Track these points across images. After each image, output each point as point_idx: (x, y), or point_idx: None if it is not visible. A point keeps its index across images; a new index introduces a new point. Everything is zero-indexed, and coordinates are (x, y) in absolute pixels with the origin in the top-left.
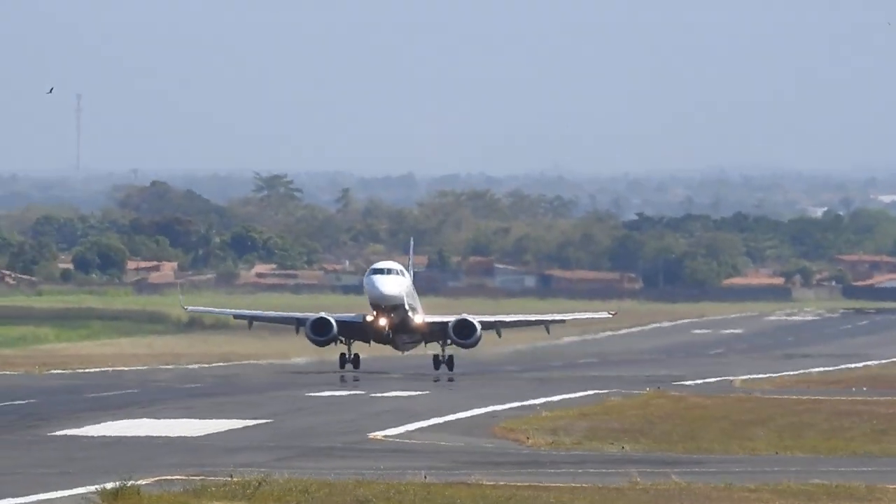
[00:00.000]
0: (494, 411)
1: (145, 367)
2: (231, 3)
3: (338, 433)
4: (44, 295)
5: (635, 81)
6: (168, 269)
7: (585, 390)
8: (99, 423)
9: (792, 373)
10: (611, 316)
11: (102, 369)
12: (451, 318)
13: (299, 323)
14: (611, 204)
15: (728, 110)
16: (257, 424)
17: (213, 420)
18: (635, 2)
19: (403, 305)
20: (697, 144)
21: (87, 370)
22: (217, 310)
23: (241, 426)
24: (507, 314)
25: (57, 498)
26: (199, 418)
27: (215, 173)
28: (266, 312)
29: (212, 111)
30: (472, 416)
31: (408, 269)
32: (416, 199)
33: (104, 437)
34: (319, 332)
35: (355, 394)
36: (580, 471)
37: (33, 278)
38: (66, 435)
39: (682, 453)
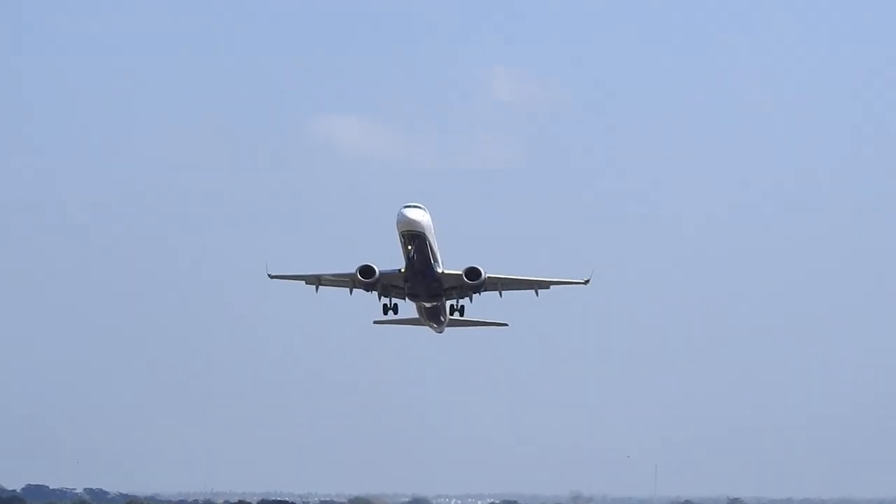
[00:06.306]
0: None
1: None
2: None
3: None
4: None
5: None
6: None
7: None
8: None
9: None
10: (583, 283)
11: None
12: (461, 269)
13: (353, 281)
14: None
15: None
16: None
17: None
18: None
19: (426, 237)
20: None
21: None
22: (296, 274)
23: None
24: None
25: None
26: None
27: None
28: (327, 272)
29: None
30: None
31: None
32: None
33: None
34: (366, 274)
35: None
36: None
37: None
38: None
39: None
